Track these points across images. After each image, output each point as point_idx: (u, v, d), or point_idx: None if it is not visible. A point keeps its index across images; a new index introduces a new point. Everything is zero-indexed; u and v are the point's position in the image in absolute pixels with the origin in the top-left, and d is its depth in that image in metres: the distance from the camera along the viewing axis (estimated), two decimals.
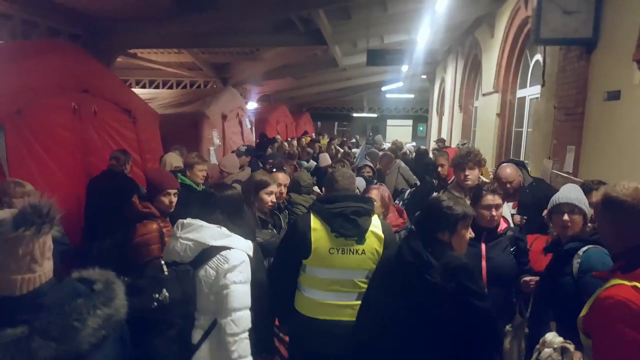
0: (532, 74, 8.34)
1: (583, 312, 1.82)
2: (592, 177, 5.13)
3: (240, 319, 2.20)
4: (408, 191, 5.00)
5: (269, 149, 8.80)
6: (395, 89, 22.17)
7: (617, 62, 4.83)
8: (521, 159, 8.50)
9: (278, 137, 12.21)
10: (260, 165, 6.09)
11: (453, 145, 11.26)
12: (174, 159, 5.19)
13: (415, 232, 2.22)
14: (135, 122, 6.24)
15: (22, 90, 4.38)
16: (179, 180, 4.12)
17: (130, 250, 2.92)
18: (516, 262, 2.91)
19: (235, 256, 2.25)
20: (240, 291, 2.22)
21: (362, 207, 2.73)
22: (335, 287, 2.70)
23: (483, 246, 2.86)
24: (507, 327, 2.70)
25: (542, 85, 6.99)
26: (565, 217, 2.57)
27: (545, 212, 2.84)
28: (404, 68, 10.84)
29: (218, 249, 2.23)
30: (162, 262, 2.16)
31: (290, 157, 8.57)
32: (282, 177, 3.81)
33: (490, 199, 2.90)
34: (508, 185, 4.19)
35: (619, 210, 1.84)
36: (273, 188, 3.30)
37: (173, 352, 2.08)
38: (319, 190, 4.67)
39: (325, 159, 6.69)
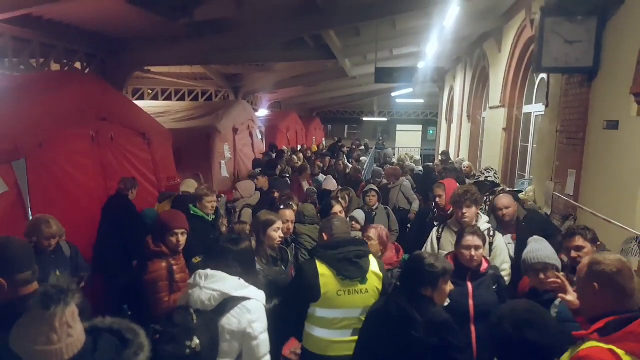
0: (538, 91, 8.45)
1: None
2: (591, 202, 5.32)
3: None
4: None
5: (279, 166, 9.01)
6: (405, 94, 22.27)
7: (616, 92, 4.96)
8: (526, 175, 8.65)
9: (285, 148, 12.41)
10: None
11: (478, 163, 11.34)
12: (190, 185, 5.50)
13: (400, 288, 2.41)
14: (150, 144, 6.50)
15: (43, 122, 4.64)
16: (192, 212, 4.36)
17: (141, 287, 3.17)
18: (498, 297, 3.09)
19: (255, 307, 2.48)
20: (265, 339, 2.51)
21: (362, 250, 3.00)
22: (341, 325, 2.94)
23: (469, 285, 3.05)
24: None
25: (546, 106, 7.11)
26: (541, 275, 2.79)
27: None
28: (412, 86, 11.12)
29: (239, 300, 2.46)
30: (192, 309, 2.36)
31: (300, 170, 8.77)
32: (289, 214, 4.04)
33: (470, 239, 3.11)
34: (503, 213, 4.41)
35: (603, 279, 2.02)
36: (279, 225, 3.52)
37: None
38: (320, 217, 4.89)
39: (332, 184, 6.89)
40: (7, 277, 2.18)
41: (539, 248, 2.95)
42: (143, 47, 8.15)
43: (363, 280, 2.93)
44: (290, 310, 3.00)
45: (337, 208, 4.49)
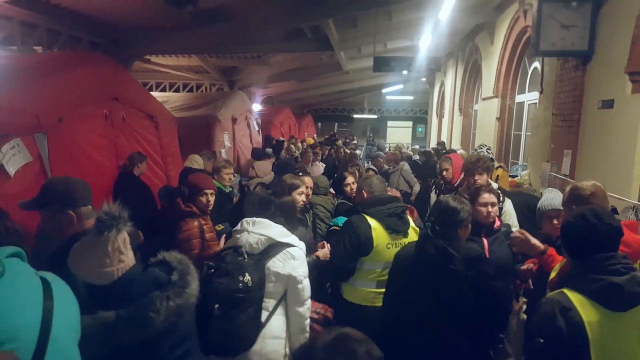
0: (531, 80, 8.74)
1: (552, 276, 2.25)
2: (587, 178, 5.56)
3: (309, 303, 2.72)
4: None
5: (282, 153, 9.18)
6: (396, 90, 22.56)
7: (611, 73, 5.22)
8: (520, 162, 8.94)
9: (282, 139, 12.58)
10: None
11: (471, 150, 11.62)
12: (197, 160, 5.63)
13: (433, 230, 2.60)
14: (158, 127, 6.61)
15: (62, 99, 4.74)
16: None
17: (175, 246, 3.27)
18: (511, 253, 3.29)
19: (299, 253, 2.67)
20: (308, 284, 2.69)
21: (403, 206, 3.27)
22: (379, 277, 3.14)
23: (485, 241, 3.24)
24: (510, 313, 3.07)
25: (541, 93, 7.38)
26: (554, 221, 3.01)
27: None
28: (405, 72, 11.38)
29: (283, 245, 2.63)
30: (242, 249, 2.52)
31: (301, 155, 8.94)
32: (308, 180, 4.22)
33: (487, 197, 3.30)
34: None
35: (581, 199, 2.35)
36: (303, 189, 3.71)
37: (252, 326, 2.48)
38: (333, 191, 5.06)
39: (318, 170, 7.07)
40: (74, 210, 2.32)
41: (552, 197, 3.16)
42: (146, 36, 8.26)
43: (406, 234, 3.19)
44: (343, 264, 3.12)
45: (350, 179, 4.67)
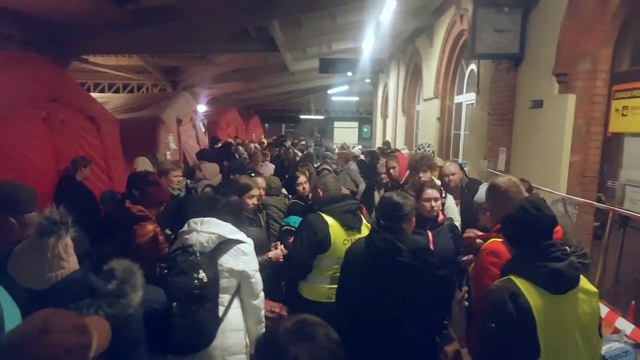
0: (468, 81, 9.17)
1: (472, 265, 2.46)
2: (521, 174, 5.92)
3: (262, 295, 2.80)
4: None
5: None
6: (341, 92, 22.89)
7: (540, 75, 5.60)
8: (459, 159, 9.35)
9: (230, 140, 12.48)
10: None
11: (415, 148, 11.97)
12: (144, 163, 5.52)
13: (380, 225, 2.74)
14: (99, 129, 6.43)
15: None
16: None
17: (133, 252, 3.23)
18: (454, 245, 3.52)
19: (249, 249, 2.73)
20: (260, 278, 2.77)
21: (357, 204, 3.40)
22: (336, 273, 3.21)
23: (429, 234, 3.44)
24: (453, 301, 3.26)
25: (477, 94, 7.77)
26: (488, 213, 3.22)
27: None
28: (350, 73, 11.65)
29: (234, 242, 2.68)
30: (194, 248, 2.55)
31: (251, 157, 8.92)
32: (261, 181, 4.27)
33: (430, 192, 3.50)
34: (449, 179, 4.90)
35: (497, 192, 2.61)
36: (255, 192, 3.74)
37: (212, 321, 2.52)
38: (285, 192, 5.12)
39: (268, 170, 7.11)
40: (17, 217, 2.27)
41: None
42: (84, 35, 7.96)
43: (360, 229, 3.30)
44: (301, 262, 3.16)
45: (302, 178, 4.75)
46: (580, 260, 3.28)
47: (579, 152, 4.99)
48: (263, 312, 2.83)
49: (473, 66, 8.51)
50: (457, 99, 9.79)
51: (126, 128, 8.12)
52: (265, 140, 17.71)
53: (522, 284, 1.80)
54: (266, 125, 30.57)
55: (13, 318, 1.68)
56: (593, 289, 1.95)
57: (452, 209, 4.22)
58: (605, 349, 3.37)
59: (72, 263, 1.94)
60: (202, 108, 15.96)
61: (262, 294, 2.79)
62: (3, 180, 2.37)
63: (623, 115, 4.59)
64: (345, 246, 3.15)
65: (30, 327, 1.30)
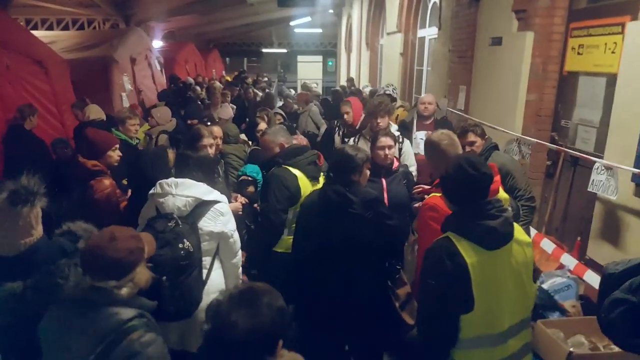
0: (431, 15, 9.00)
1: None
2: (479, 113, 6.03)
3: (240, 253, 2.85)
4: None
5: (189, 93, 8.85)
6: (304, 23, 22.16)
7: (500, 11, 5.54)
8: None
9: (190, 79, 12.08)
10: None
11: (378, 86, 11.88)
12: (96, 111, 5.34)
13: (332, 178, 2.80)
14: (48, 73, 6.10)
15: None
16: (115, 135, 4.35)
17: (91, 207, 3.20)
18: (408, 191, 3.57)
19: (225, 208, 2.71)
20: (237, 236, 2.78)
21: (316, 154, 3.40)
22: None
23: (383, 181, 3.50)
24: (405, 245, 3.40)
25: (439, 29, 7.67)
26: None
27: None
28: (310, 7, 11.21)
29: (210, 203, 2.64)
30: (174, 215, 2.50)
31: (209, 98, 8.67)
32: (217, 130, 4.17)
33: (384, 140, 3.53)
34: (424, 107, 5.22)
35: (432, 147, 2.73)
36: (208, 140, 3.64)
37: (199, 287, 2.55)
38: (245, 138, 5.06)
39: (226, 112, 6.94)
40: None
41: None
42: None
43: (318, 180, 3.34)
44: (278, 219, 3.09)
45: (262, 125, 4.68)
46: (527, 204, 3.47)
47: (535, 91, 5.06)
48: (240, 269, 2.86)
49: None
50: (420, 33, 9.64)
51: (77, 69, 7.74)
52: (228, 77, 17.16)
53: (459, 243, 1.89)
54: (227, 59, 29.56)
55: None
56: (527, 239, 2.06)
57: (409, 154, 4.30)
58: (549, 283, 3.63)
59: (39, 230, 1.99)
60: (157, 44, 15.25)
61: (239, 252, 2.81)
62: None
63: (579, 54, 4.65)
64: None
65: (103, 236, 1.77)
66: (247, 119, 6.61)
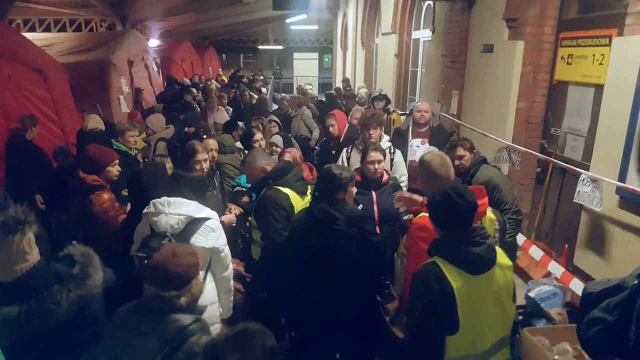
0: (425, 17, 9.06)
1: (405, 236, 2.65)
2: (471, 119, 6.13)
3: (231, 266, 2.98)
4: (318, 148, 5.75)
5: (185, 98, 8.91)
6: (300, 20, 22.13)
7: (491, 18, 5.63)
8: (417, 98, 9.45)
9: (186, 80, 12.12)
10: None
11: (373, 89, 11.93)
12: (95, 121, 5.43)
13: (318, 197, 2.91)
14: (47, 80, 6.17)
15: None
16: (115, 147, 4.45)
17: (90, 220, 3.33)
18: None
19: (216, 224, 2.83)
20: (228, 251, 2.91)
21: (301, 170, 3.50)
22: None
23: (373, 194, 3.59)
24: (395, 255, 3.52)
25: (433, 32, 7.74)
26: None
27: None
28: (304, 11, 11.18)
29: (201, 220, 2.77)
30: (167, 234, 2.63)
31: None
32: (212, 143, 4.26)
33: (373, 155, 3.63)
34: (421, 114, 5.29)
35: (424, 167, 2.79)
36: (202, 156, 3.72)
37: None
38: (241, 146, 5.14)
39: (222, 117, 7.00)
40: None
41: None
42: None
43: (306, 193, 3.42)
44: (283, 238, 3.13)
45: (258, 135, 4.77)
46: (513, 217, 3.58)
47: (525, 99, 5.17)
48: (232, 281, 2.98)
49: (430, 1, 8.39)
50: (415, 34, 9.70)
51: (75, 72, 7.78)
52: (225, 78, 17.15)
53: (445, 268, 2.00)
54: (223, 56, 29.54)
55: None
56: (508, 262, 2.18)
57: (400, 165, 4.40)
58: (535, 291, 3.75)
59: (34, 255, 2.09)
60: (154, 42, 15.27)
61: (231, 265, 2.93)
62: None
63: (568, 63, 4.75)
64: (301, 212, 3.28)
65: (166, 253, 2.05)
66: (244, 122, 6.67)
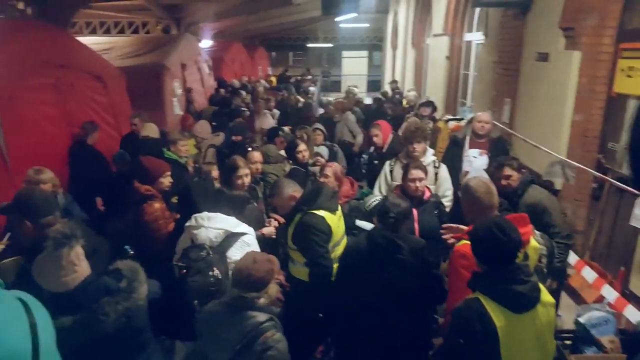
0: (478, 19, 8.83)
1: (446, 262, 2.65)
2: (523, 128, 5.95)
3: None
4: (367, 156, 5.72)
5: (234, 102, 9.11)
6: (350, 19, 22.06)
7: (547, 26, 5.44)
8: (468, 102, 9.25)
9: (235, 82, 12.35)
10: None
11: (422, 93, 11.82)
12: (151, 129, 5.68)
13: (379, 226, 2.89)
14: (106, 87, 6.49)
15: (9, 75, 4.63)
16: (166, 156, 4.65)
17: (142, 228, 3.55)
18: (439, 221, 3.62)
19: (252, 239, 2.96)
20: None
21: (336, 191, 3.55)
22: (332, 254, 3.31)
23: (415, 212, 3.56)
24: None
25: (485, 37, 7.55)
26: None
27: None
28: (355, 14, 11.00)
29: (238, 235, 2.91)
30: (205, 246, 2.77)
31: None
32: (257, 156, 4.38)
33: (415, 173, 3.61)
34: (481, 125, 5.20)
35: (468, 193, 2.74)
36: (242, 172, 3.81)
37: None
38: (285, 155, 5.23)
39: (268, 122, 7.07)
40: (32, 221, 2.60)
41: (475, 176, 3.48)
42: None
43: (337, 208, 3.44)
44: (329, 262, 3.19)
45: (302, 147, 4.83)
46: (563, 242, 3.46)
47: (581, 111, 4.96)
48: None
49: (481, 8, 8.17)
50: (467, 36, 9.49)
51: (132, 76, 8.10)
52: (273, 79, 17.34)
53: (488, 305, 1.97)
54: (273, 54, 29.85)
55: (45, 324, 1.94)
56: (551, 299, 2.12)
57: (445, 180, 4.34)
58: (586, 317, 3.61)
59: (83, 267, 2.23)
60: (206, 43, 15.66)
61: None
62: (27, 188, 2.67)
63: (628, 76, 4.52)
64: (338, 228, 3.31)
65: (248, 260, 2.35)
66: (289, 128, 6.76)
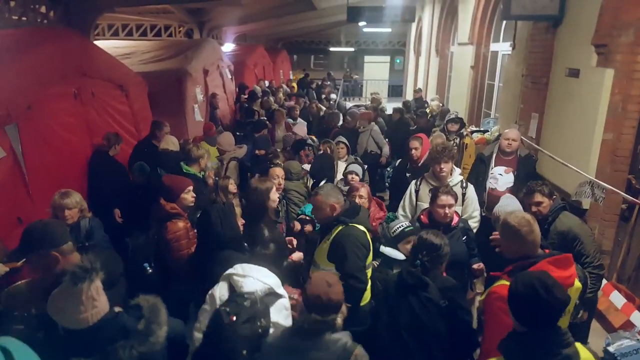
0: (506, 29, 8.66)
1: (482, 297, 2.51)
2: (551, 145, 5.78)
3: None
4: (391, 169, 5.61)
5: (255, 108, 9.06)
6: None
7: (578, 42, 5.28)
8: (492, 113, 9.07)
9: (257, 88, 12.33)
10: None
11: (445, 101, 11.65)
12: (169, 141, 5.67)
13: (415, 264, 2.81)
14: (127, 95, 6.50)
15: (29, 84, 4.61)
16: (184, 170, 4.61)
17: (164, 245, 3.50)
18: (467, 248, 3.56)
19: (288, 304, 2.79)
20: None
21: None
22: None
23: None
24: None
25: (513, 48, 7.39)
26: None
27: None
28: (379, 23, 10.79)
29: (278, 295, 2.72)
30: (255, 296, 2.61)
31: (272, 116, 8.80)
32: (279, 171, 4.34)
33: (444, 199, 3.50)
34: (509, 143, 5.15)
35: (510, 231, 2.59)
36: (274, 193, 3.66)
37: None
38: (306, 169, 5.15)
39: (302, 130, 6.95)
40: (57, 250, 2.44)
41: (508, 204, 3.38)
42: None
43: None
44: (364, 276, 3.14)
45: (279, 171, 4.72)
46: (595, 272, 3.33)
47: (612, 130, 4.80)
48: None
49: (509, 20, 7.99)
50: (493, 46, 9.32)
51: (153, 81, 8.09)
52: (295, 85, 17.27)
53: None
54: (295, 57, 29.88)
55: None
56: (589, 356, 1.97)
57: (473, 200, 4.22)
58: (615, 346, 3.47)
59: (102, 302, 2.15)
60: (229, 47, 15.69)
61: None
62: (33, 222, 2.55)
63: None
64: (371, 249, 3.22)
65: (322, 284, 2.39)
66: (314, 136, 6.68)
